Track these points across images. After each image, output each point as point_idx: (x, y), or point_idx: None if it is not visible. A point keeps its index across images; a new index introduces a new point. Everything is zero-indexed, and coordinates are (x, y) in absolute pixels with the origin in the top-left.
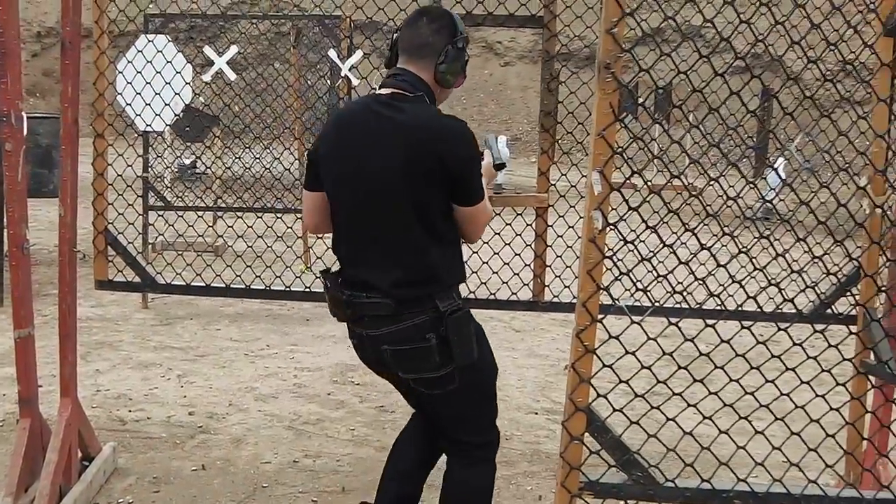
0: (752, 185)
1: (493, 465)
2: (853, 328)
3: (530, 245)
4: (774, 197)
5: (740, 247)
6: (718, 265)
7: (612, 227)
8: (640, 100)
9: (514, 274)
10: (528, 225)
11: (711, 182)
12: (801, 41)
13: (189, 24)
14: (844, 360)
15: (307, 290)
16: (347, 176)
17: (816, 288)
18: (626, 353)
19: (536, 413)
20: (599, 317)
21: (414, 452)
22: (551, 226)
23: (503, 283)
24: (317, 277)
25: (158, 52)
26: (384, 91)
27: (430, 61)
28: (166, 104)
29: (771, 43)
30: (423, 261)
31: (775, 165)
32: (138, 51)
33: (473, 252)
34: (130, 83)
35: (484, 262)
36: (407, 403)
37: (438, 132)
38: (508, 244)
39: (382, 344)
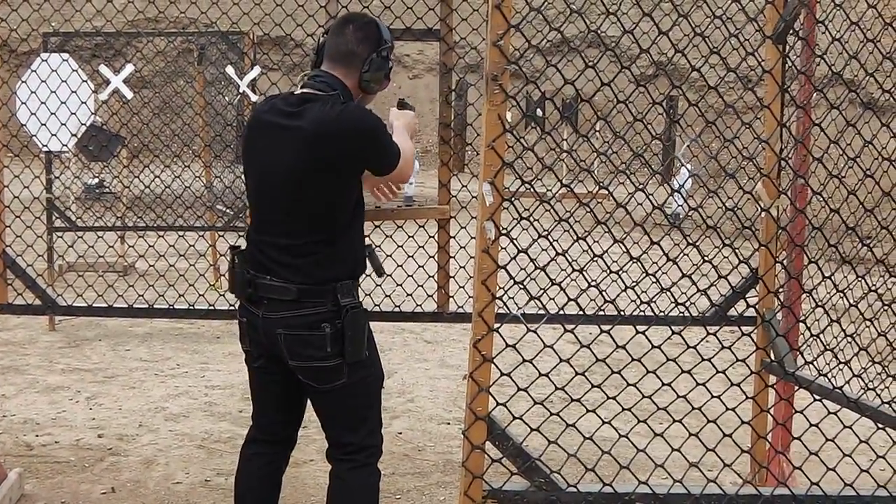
0: (643, 191)
1: (377, 470)
2: (748, 329)
3: (433, 257)
4: (666, 202)
5: (632, 254)
6: (612, 272)
7: (506, 235)
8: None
9: (419, 286)
10: (430, 237)
11: (601, 190)
12: (685, 50)
13: (93, 42)
14: (738, 360)
15: (211, 307)
16: (254, 173)
17: (716, 288)
18: (524, 361)
19: (449, 423)
20: (496, 326)
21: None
22: (454, 237)
23: (408, 295)
24: (221, 295)
25: (53, 70)
26: (297, 92)
27: (354, 69)
28: (62, 124)
29: (664, 52)
30: (324, 258)
31: (675, 172)
32: (32, 70)
33: None
34: (25, 103)
35: (387, 275)
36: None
37: (335, 127)
38: (412, 256)
39: (278, 328)
